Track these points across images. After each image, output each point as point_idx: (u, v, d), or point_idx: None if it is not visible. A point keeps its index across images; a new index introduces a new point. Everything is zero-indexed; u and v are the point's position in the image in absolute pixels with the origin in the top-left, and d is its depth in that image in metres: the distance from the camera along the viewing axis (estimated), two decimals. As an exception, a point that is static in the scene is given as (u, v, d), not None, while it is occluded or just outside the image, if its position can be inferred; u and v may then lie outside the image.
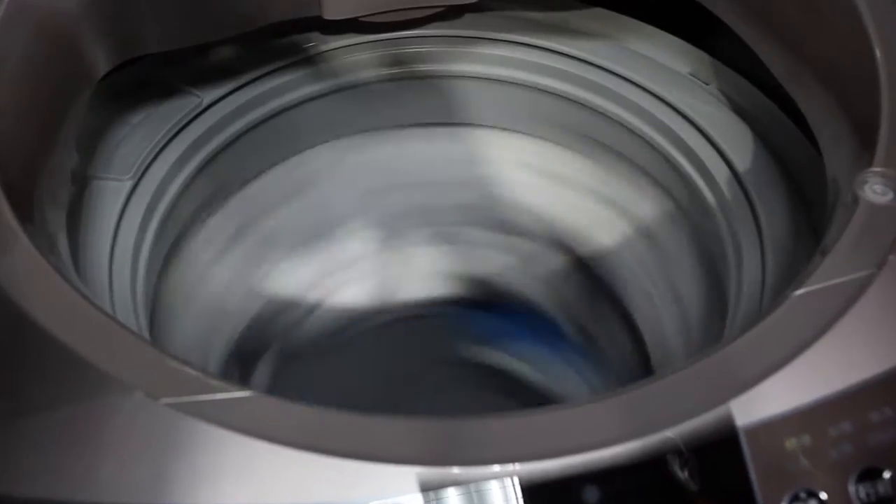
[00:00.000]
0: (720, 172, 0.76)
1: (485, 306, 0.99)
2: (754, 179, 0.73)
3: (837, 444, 0.44)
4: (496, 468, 0.41)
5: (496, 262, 0.99)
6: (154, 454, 0.41)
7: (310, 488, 0.40)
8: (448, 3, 0.82)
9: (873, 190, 0.53)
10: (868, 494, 0.43)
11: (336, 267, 0.96)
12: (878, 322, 0.47)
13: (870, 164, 0.54)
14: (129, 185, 0.73)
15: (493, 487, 0.41)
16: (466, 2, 0.81)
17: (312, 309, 0.95)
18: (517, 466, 0.41)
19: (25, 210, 0.52)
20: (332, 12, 0.77)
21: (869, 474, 0.43)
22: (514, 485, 0.41)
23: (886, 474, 0.44)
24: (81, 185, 0.71)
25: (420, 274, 1.00)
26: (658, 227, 0.87)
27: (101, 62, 0.68)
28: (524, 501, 0.41)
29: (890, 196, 0.53)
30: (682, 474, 0.43)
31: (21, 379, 0.44)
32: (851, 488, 0.43)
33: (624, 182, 0.90)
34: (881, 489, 0.43)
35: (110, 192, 0.72)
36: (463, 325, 0.99)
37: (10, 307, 0.45)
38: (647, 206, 0.90)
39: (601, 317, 0.95)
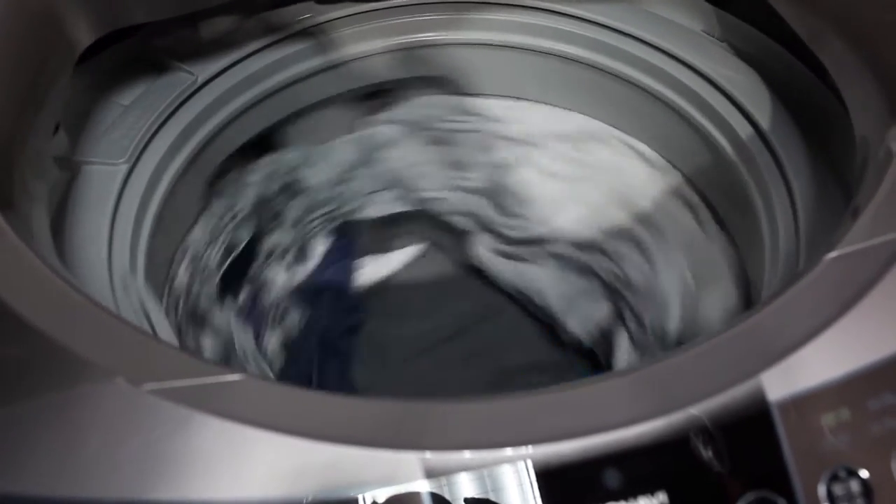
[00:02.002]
0: (744, 130, 0.72)
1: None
2: (778, 135, 0.69)
3: (879, 418, 0.40)
4: (508, 451, 0.38)
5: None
6: (136, 445, 0.38)
7: (306, 478, 0.37)
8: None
9: (908, 145, 0.49)
10: (914, 472, 0.40)
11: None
12: (918, 286, 0.43)
13: (897, 120, 0.51)
14: (124, 169, 0.70)
15: (506, 472, 0.38)
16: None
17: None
18: (530, 450, 0.38)
19: (4, 195, 0.49)
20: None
21: (915, 450, 0.40)
22: (527, 469, 0.38)
23: (933, 450, 0.40)
24: (72, 170, 0.68)
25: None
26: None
27: (83, 34, 0.64)
28: (539, 487, 0.38)
29: (927, 150, 0.49)
30: (707, 454, 0.39)
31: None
32: (895, 465, 0.40)
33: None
34: (929, 466, 0.40)
35: (104, 178, 0.69)
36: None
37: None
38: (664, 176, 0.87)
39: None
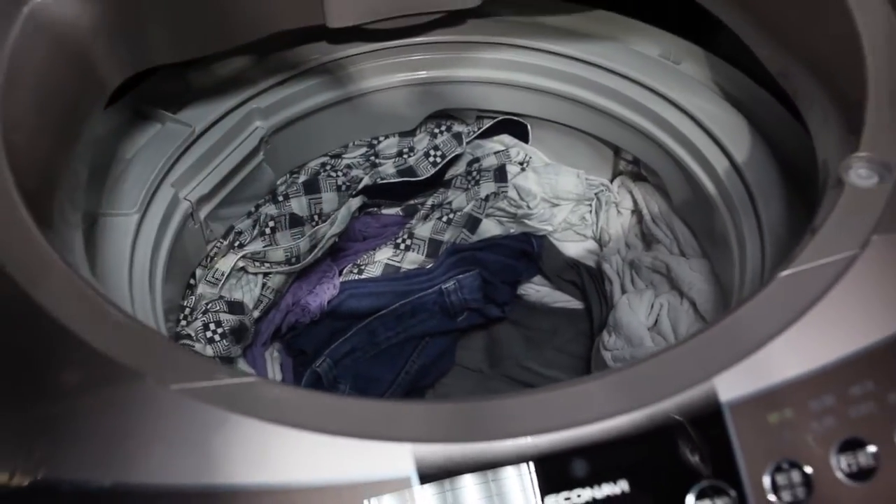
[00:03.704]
0: (720, 164, 0.78)
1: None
2: (752, 169, 0.75)
3: (819, 417, 0.45)
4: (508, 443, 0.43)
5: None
6: (166, 436, 0.43)
7: (315, 466, 0.42)
8: (449, 9, 0.84)
9: (858, 174, 0.55)
10: (850, 465, 0.45)
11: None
12: (860, 300, 0.48)
13: (856, 149, 0.56)
14: (135, 218, 0.74)
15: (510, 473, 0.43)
16: (467, 7, 0.83)
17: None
18: (529, 440, 0.43)
19: (45, 216, 0.55)
20: (336, 19, 0.80)
21: (850, 445, 0.45)
22: (529, 471, 0.43)
23: (871, 448, 0.45)
24: (91, 222, 0.72)
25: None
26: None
27: (113, 74, 0.70)
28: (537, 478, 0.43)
29: (874, 179, 0.54)
30: (693, 458, 0.44)
31: (41, 370, 0.46)
32: (833, 459, 0.45)
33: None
34: (862, 460, 0.45)
35: (119, 228, 0.73)
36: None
37: (29, 304, 0.48)
38: (651, 202, 0.92)
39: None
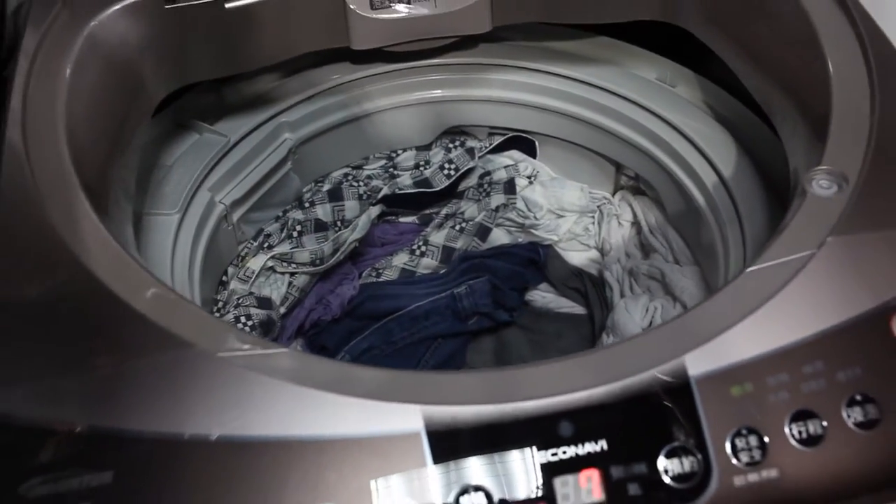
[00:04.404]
0: (709, 178, 0.85)
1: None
2: (737, 182, 0.82)
3: (775, 391, 0.52)
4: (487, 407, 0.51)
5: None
6: (211, 395, 0.51)
7: (332, 422, 0.50)
8: (463, 34, 0.92)
9: (820, 185, 0.62)
10: (800, 432, 0.52)
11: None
12: (814, 292, 0.55)
13: (820, 162, 0.63)
14: (176, 218, 0.83)
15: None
16: (478, 32, 0.91)
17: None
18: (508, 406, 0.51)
19: (101, 206, 0.63)
20: (360, 43, 0.88)
21: (801, 416, 0.52)
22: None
23: (819, 419, 0.52)
24: (136, 221, 0.79)
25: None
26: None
27: (159, 87, 0.79)
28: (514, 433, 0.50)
29: (833, 189, 0.61)
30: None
31: (106, 340, 0.54)
32: (786, 427, 0.52)
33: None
34: (812, 428, 0.52)
35: (162, 226, 0.81)
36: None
37: (95, 283, 0.56)
38: (649, 214, 1.00)
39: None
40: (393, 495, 0.49)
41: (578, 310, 1.10)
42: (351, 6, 0.84)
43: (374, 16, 0.86)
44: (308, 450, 0.49)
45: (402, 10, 0.87)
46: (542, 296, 1.11)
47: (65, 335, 0.54)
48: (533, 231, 1.08)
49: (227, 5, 0.79)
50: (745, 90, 0.82)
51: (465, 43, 0.96)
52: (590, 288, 1.08)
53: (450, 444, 0.50)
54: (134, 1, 0.75)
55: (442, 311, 1.05)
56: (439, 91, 1.01)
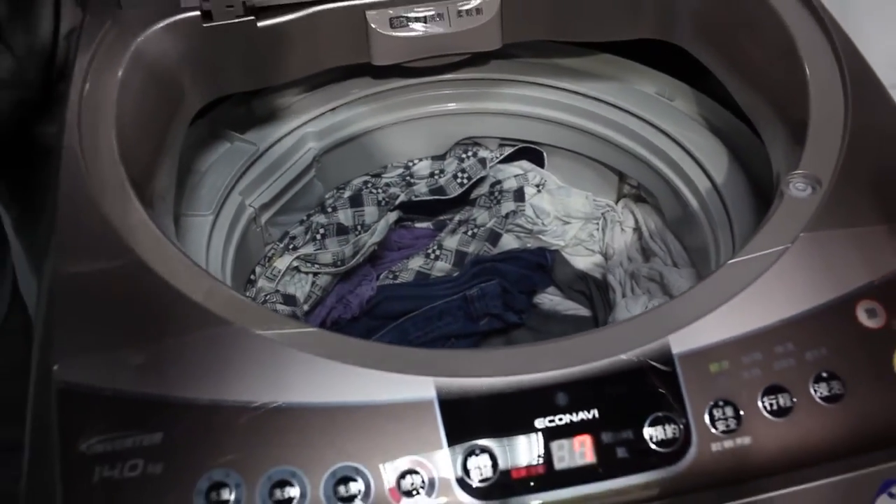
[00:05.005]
0: (703, 185, 0.92)
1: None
2: (728, 189, 0.89)
3: (748, 368, 0.59)
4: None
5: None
6: (249, 367, 0.58)
7: (357, 391, 0.57)
8: (475, 51, 0.99)
9: (796, 188, 0.68)
10: (771, 405, 0.58)
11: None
12: (786, 281, 0.62)
13: (797, 166, 0.70)
14: (210, 219, 0.90)
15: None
16: (490, 49, 0.98)
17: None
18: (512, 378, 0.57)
19: (147, 200, 0.70)
20: (380, 59, 0.95)
21: (772, 390, 0.58)
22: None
23: (793, 397, 0.59)
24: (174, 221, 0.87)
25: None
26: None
27: (198, 97, 0.86)
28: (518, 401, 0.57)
29: (808, 191, 0.68)
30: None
31: (155, 318, 0.61)
32: (759, 400, 0.58)
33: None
34: (782, 401, 0.58)
35: (197, 226, 0.89)
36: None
37: (143, 267, 0.63)
38: (650, 220, 1.06)
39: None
40: (408, 457, 0.55)
41: (583, 312, 1.16)
42: (372, 25, 0.92)
43: (394, 34, 0.93)
44: (335, 415, 0.56)
45: (419, 28, 0.94)
46: (550, 298, 1.17)
47: (118, 314, 0.62)
48: (541, 237, 1.14)
49: (260, 24, 0.86)
50: (736, 103, 0.88)
51: (478, 59, 1.03)
52: (594, 291, 1.15)
53: (459, 411, 0.57)
54: (175, 19, 0.83)
55: (455, 312, 1.11)
56: (453, 104, 1.08)
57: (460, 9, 0.93)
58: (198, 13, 0.84)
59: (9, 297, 1.02)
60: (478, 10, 0.93)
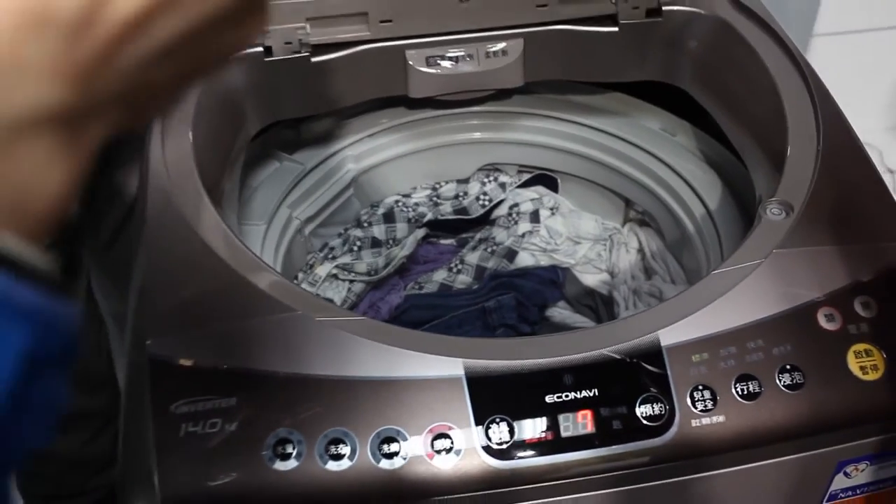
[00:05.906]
0: (698, 211, 1.04)
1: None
2: (720, 215, 1.01)
3: (725, 360, 0.70)
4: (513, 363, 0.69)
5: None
6: (311, 347, 0.70)
7: (399, 367, 0.68)
8: (500, 87, 1.12)
9: (772, 212, 0.80)
10: (743, 390, 0.70)
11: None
12: (758, 290, 0.74)
13: (775, 193, 0.82)
14: (263, 228, 1.03)
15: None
16: (513, 86, 1.11)
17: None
18: (525, 362, 0.69)
19: (218, 199, 0.83)
20: (416, 92, 1.08)
21: (744, 378, 0.70)
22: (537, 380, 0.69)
23: (762, 384, 0.70)
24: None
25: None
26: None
27: (257, 121, 0.99)
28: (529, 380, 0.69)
29: (782, 216, 0.80)
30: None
31: (228, 304, 0.73)
32: (732, 387, 0.70)
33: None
34: (751, 388, 0.70)
35: (252, 233, 1.01)
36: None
37: (216, 260, 0.75)
38: (652, 242, 1.18)
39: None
40: (440, 423, 0.67)
41: (590, 325, 1.28)
42: (411, 63, 1.04)
43: (429, 70, 1.06)
44: (381, 387, 0.68)
45: (450, 66, 1.07)
46: (560, 312, 1.28)
47: (198, 299, 0.74)
48: (553, 255, 1.26)
49: (313, 60, 0.99)
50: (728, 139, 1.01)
51: (501, 94, 1.16)
52: (600, 305, 1.26)
53: (483, 387, 0.69)
54: (242, 53, 0.96)
55: (473, 321, 1.22)
56: (478, 133, 1.21)
57: (488, 50, 1.06)
58: (260, 49, 0.97)
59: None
60: (504, 51, 1.06)
